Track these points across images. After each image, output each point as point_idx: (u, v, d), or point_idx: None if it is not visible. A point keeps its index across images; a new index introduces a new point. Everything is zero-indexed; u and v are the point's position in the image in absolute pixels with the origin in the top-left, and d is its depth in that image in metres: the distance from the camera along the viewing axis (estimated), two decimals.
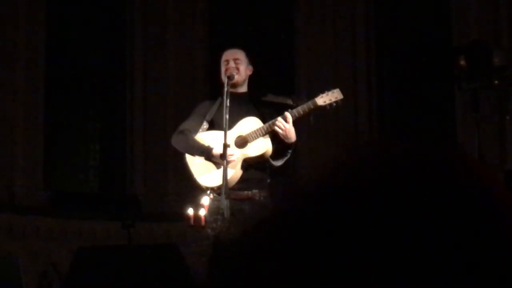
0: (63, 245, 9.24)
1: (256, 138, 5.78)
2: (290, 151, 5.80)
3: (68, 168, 10.50)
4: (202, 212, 5.75)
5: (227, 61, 5.98)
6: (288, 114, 5.68)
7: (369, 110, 10.36)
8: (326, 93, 5.80)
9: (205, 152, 5.83)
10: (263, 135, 5.77)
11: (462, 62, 6.55)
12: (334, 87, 5.95)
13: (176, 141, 6.03)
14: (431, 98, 10.21)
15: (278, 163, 5.80)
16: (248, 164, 5.81)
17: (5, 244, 9.00)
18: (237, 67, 5.94)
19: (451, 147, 0.78)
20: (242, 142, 5.79)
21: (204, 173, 5.87)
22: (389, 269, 0.70)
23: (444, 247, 0.71)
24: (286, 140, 5.69)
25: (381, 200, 0.73)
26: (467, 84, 6.56)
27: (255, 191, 5.72)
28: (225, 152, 5.61)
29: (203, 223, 5.73)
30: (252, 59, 6.11)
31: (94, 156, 10.66)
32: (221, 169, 5.74)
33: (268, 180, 5.78)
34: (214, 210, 5.68)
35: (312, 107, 5.75)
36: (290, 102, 5.82)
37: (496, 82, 6.55)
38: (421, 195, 0.73)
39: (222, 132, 5.71)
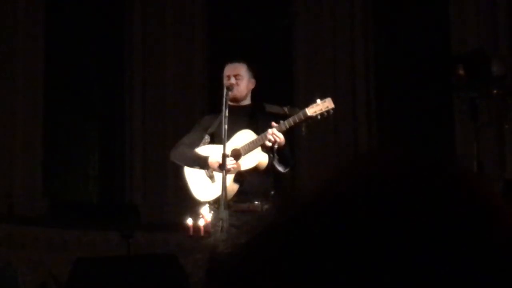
0: (62, 255, 9.21)
1: (249, 151, 5.74)
2: (288, 155, 5.76)
3: (67, 177, 10.49)
4: (202, 222, 5.75)
5: (228, 77, 5.95)
6: (278, 126, 5.63)
7: (368, 119, 10.36)
8: (317, 102, 5.71)
9: (202, 161, 5.82)
10: (256, 148, 5.73)
11: (461, 71, 6.55)
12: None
13: (174, 155, 6.04)
14: (430, 106, 10.20)
15: (286, 167, 5.76)
16: (247, 177, 5.78)
17: (4, 254, 8.98)
18: (237, 83, 5.91)
19: (450, 157, 0.78)
20: (235, 155, 5.76)
21: (200, 187, 5.86)
22: (388, 277, 0.70)
23: (441, 256, 0.71)
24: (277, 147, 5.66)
25: (380, 209, 0.73)
26: (466, 93, 6.56)
27: (257, 203, 5.67)
28: (224, 162, 5.59)
29: (202, 233, 5.72)
30: (254, 72, 6.07)
31: (93, 166, 10.65)
32: (216, 184, 5.73)
33: (272, 192, 5.75)
34: (213, 220, 5.67)
35: (302, 118, 5.66)
36: (286, 111, 5.77)
37: (494, 91, 6.55)
38: (420, 205, 0.73)
39: (220, 146, 5.70)
